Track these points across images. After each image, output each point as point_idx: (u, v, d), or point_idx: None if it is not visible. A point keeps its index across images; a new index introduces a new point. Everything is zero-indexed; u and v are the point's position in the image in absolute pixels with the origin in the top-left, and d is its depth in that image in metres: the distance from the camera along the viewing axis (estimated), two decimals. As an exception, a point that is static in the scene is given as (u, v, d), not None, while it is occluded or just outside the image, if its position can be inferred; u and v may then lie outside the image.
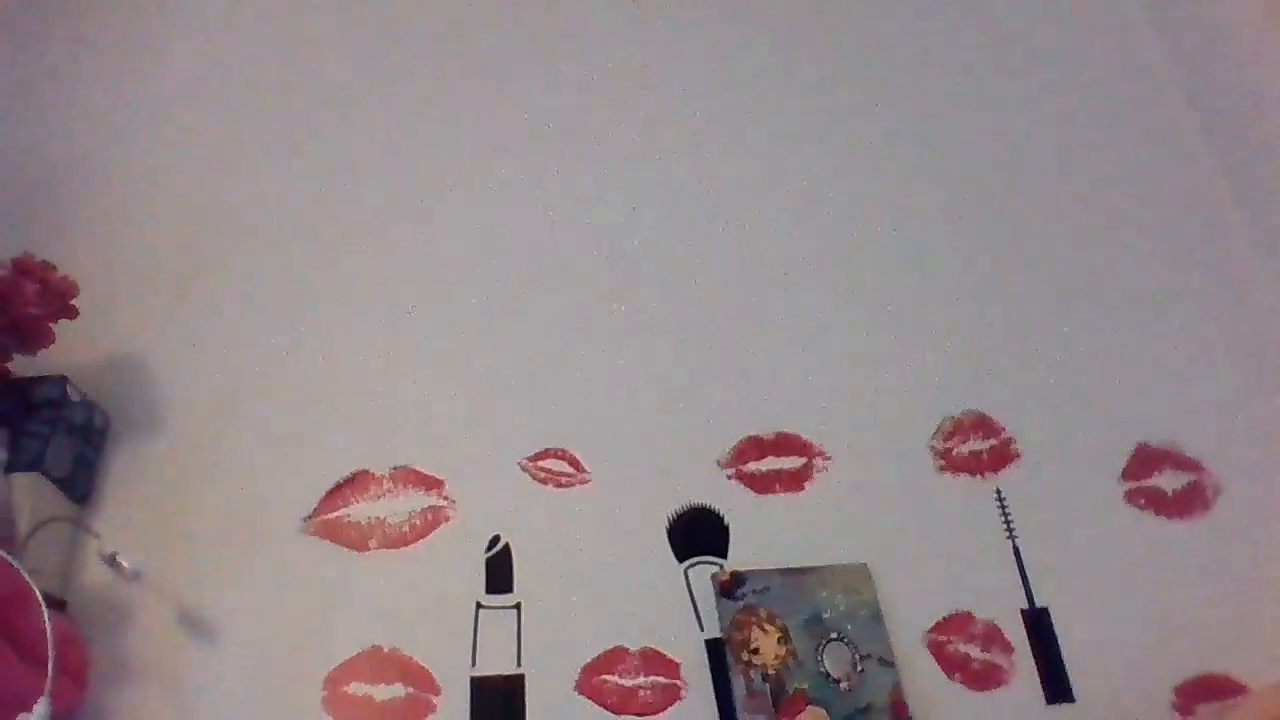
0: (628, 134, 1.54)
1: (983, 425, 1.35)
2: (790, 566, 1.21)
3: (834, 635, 1.16)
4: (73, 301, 1.15)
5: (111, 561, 1.07)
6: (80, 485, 1.17)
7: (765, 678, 1.13)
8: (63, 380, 1.16)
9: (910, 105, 1.62)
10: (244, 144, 1.47)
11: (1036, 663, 1.19)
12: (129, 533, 1.16)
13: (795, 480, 1.29)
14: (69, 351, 1.20)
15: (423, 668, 1.13)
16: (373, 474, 1.24)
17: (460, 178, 1.47)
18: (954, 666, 1.19)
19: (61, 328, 1.16)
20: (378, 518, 1.21)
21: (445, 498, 1.23)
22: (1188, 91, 1.65)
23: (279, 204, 1.43)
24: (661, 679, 1.15)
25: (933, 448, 1.33)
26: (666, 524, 1.24)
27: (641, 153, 1.52)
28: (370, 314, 1.35)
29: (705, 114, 1.57)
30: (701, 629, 1.18)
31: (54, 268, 1.14)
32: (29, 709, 0.88)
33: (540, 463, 1.27)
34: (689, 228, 1.47)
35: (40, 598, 0.94)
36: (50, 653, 0.91)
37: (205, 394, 1.27)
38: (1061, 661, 1.19)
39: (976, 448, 1.33)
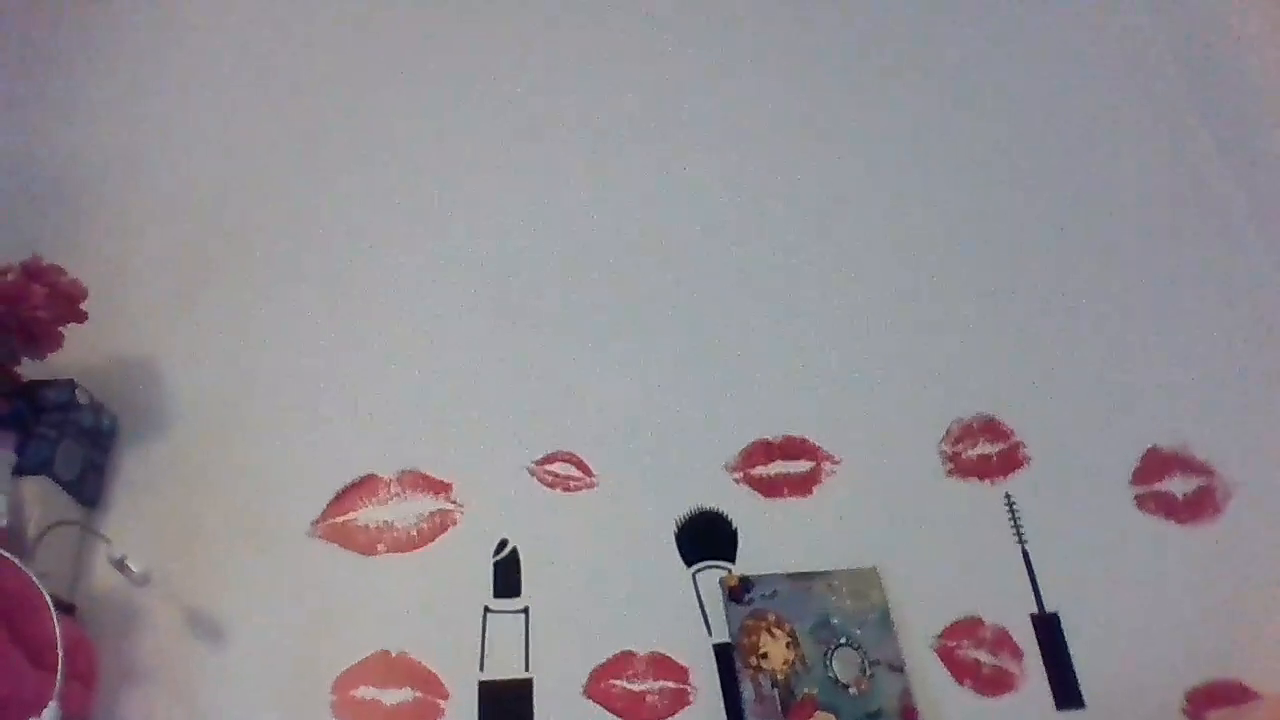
0: (639, 137, 1.54)
1: (991, 429, 1.34)
2: (798, 571, 1.20)
3: (843, 640, 1.16)
4: (81, 305, 1.15)
5: (120, 565, 1.07)
6: (89, 488, 1.17)
7: (774, 683, 1.13)
8: (71, 383, 1.16)
9: (917, 109, 1.61)
10: (253, 146, 1.48)
11: (1046, 668, 1.19)
12: (137, 536, 1.16)
13: (803, 484, 1.28)
14: (77, 355, 1.20)
15: (431, 672, 1.12)
16: (381, 478, 1.24)
17: (470, 180, 1.47)
18: (963, 672, 1.18)
19: (70, 331, 1.16)
20: (385, 521, 1.21)
21: (453, 501, 1.23)
22: (1197, 94, 1.64)
23: (288, 207, 1.43)
24: (670, 684, 1.14)
25: (941, 451, 1.32)
26: (674, 528, 1.24)
27: (651, 155, 1.52)
28: (378, 316, 1.35)
29: (715, 116, 1.57)
30: (710, 633, 1.18)
31: (63, 271, 1.14)
32: (38, 713, 0.88)
33: (548, 466, 1.27)
34: (698, 230, 1.46)
35: (50, 601, 0.94)
36: (59, 657, 0.91)
37: (213, 397, 1.28)
38: (1072, 667, 1.19)
39: (985, 451, 1.33)
